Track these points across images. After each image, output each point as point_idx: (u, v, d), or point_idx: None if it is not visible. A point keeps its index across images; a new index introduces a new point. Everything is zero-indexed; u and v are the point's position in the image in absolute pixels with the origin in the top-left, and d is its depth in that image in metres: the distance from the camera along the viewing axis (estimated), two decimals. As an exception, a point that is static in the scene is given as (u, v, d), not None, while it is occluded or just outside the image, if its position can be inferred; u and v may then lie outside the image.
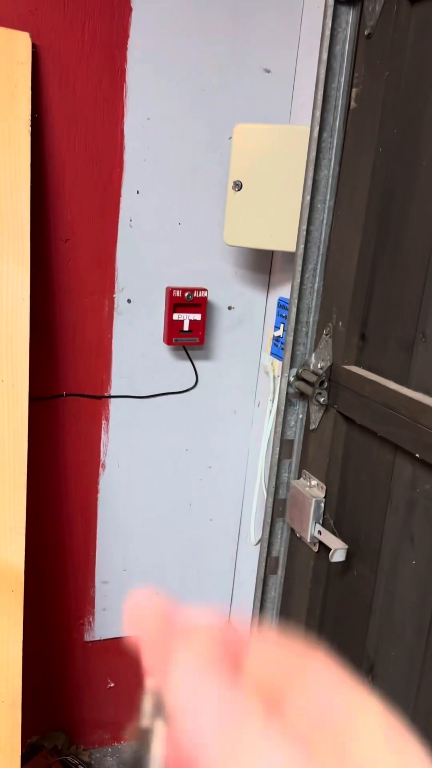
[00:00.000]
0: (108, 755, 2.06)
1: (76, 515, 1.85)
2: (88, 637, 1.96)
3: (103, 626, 1.96)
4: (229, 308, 1.85)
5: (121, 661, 2.02)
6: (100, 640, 1.98)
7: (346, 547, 1.18)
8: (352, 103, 1.17)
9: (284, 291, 1.77)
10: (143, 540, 1.94)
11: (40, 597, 1.86)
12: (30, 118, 1.47)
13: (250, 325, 1.88)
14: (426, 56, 1.02)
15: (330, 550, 1.19)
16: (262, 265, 1.83)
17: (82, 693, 2.01)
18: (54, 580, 1.87)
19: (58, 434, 1.77)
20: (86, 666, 1.99)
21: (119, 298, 1.74)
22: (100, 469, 1.84)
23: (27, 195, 1.46)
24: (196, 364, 1.86)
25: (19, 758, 1.46)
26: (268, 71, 1.71)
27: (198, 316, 1.75)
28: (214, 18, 1.63)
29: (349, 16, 1.16)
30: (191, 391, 1.87)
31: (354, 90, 1.17)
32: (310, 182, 1.21)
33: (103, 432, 1.81)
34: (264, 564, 1.39)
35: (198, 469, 1.94)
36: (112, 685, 2.04)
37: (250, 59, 1.69)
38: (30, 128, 1.47)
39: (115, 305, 1.74)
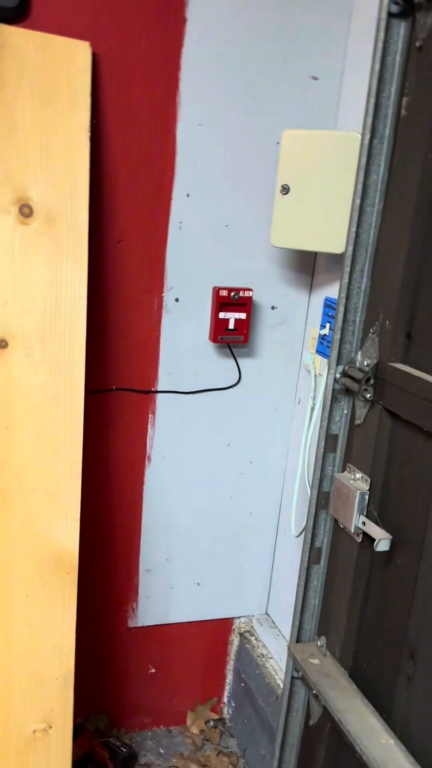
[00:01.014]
0: (148, 739, 2.13)
1: (123, 505, 1.92)
2: (131, 624, 2.03)
3: (146, 613, 2.04)
4: (273, 308, 1.90)
5: (163, 648, 2.10)
6: (142, 627, 2.05)
7: (390, 537, 1.23)
8: (403, 112, 1.22)
9: (327, 291, 1.82)
10: (185, 531, 2.01)
11: (87, 583, 1.93)
12: (89, 125, 1.54)
13: (292, 324, 1.93)
14: None
15: (373, 540, 1.24)
16: (306, 266, 1.89)
17: (125, 678, 2.09)
18: (101, 567, 1.95)
19: (107, 427, 1.84)
20: (129, 652, 2.06)
21: (168, 297, 1.81)
22: (146, 462, 1.91)
23: (86, 199, 1.54)
24: (240, 361, 1.92)
25: (71, 734, 1.53)
26: (315, 78, 1.77)
27: (243, 315, 1.81)
28: (263, 28, 1.69)
29: (400, 28, 1.21)
30: (234, 387, 1.93)
31: (404, 99, 1.22)
32: (360, 186, 1.26)
33: (149, 426, 1.89)
34: (308, 554, 1.44)
35: (239, 464, 2.00)
36: (153, 671, 2.11)
37: (298, 67, 1.74)
38: (89, 134, 1.54)
39: (164, 304, 1.81)
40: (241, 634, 2.15)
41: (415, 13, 1.18)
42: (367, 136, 1.24)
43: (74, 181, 1.54)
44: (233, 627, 2.17)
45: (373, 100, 1.23)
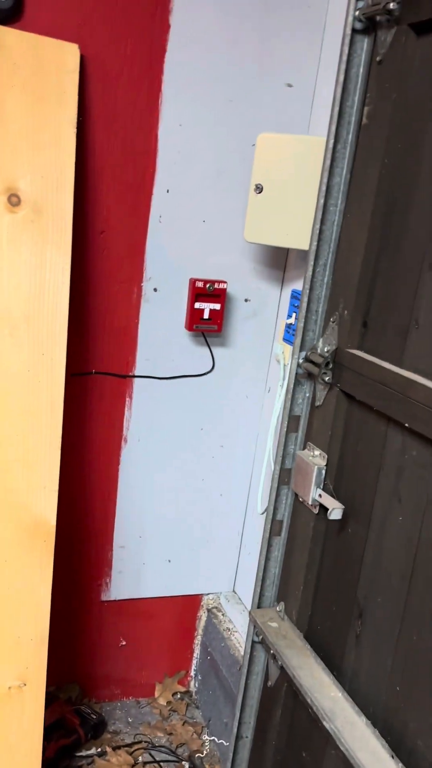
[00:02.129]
0: (117, 709, 2.23)
1: (99, 483, 2.02)
2: (104, 597, 2.13)
3: (118, 588, 2.14)
4: (246, 300, 2.02)
5: (134, 622, 2.20)
6: (115, 601, 2.15)
7: (342, 507, 1.35)
8: (364, 120, 1.34)
9: (297, 285, 1.94)
10: (158, 510, 2.11)
11: (63, 557, 2.03)
12: (76, 121, 1.64)
13: (264, 317, 2.05)
14: (426, 82, 1.19)
15: (329, 512, 1.36)
16: (278, 262, 2.00)
17: (96, 649, 2.19)
18: (76, 542, 2.05)
19: (86, 408, 1.94)
20: (101, 624, 2.17)
21: (147, 287, 1.91)
22: (122, 443, 2.02)
23: (71, 191, 1.64)
24: (214, 350, 2.03)
25: (43, 691, 1.63)
26: (290, 86, 1.88)
27: (217, 306, 1.92)
28: (243, 36, 1.80)
29: (364, 43, 1.33)
30: (208, 375, 2.04)
31: (366, 108, 1.34)
32: (324, 187, 1.38)
33: (126, 408, 1.99)
34: (270, 526, 1.56)
35: (211, 447, 2.11)
36: (124, 643, 2.22)
37: (275, 74, 1.86)
38: (75, 131, 1.65)
39: (143, 293, 1.92)
40: (209, 610, 2.26)
41: (377, 31, 1.30)
42: (331, 141, 1.36)
43: (60, 173, 1.64)
44: (202, 603, 2.28)
45: (337, 108, 1.34)
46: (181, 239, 1.91)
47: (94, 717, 2.10)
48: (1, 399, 1.59)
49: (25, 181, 1.61)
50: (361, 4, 1.30)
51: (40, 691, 1.62)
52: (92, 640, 2.18)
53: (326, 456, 1.43)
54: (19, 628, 1.59)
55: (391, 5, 1.22)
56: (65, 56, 1.66)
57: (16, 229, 1.61)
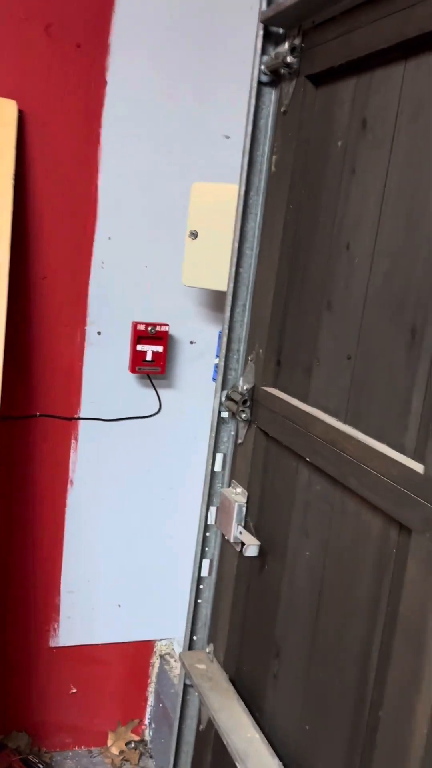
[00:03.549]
0: (68, 758, 2.19)
1: (45, 527, 2.03)
2: (53, 643, 2.11)
3: (67, 633, 2.12)
4: (191, 342, 2.05)
5: (85, 669, 2.17)
6: (64, 647, 2.13)
7: (258, 543, 1.35)
8: (272, 168, 1.39)
9: (238, 328, 1.98)
10: (107, 553, 2.11)
11: (9, 602, 2.02)
12: (13, 173, 1.71)
13: (210, 357, 2.08)
14: (325, 130, 1.24)
15: (244, 548, 1.36)
16: (220, 304, 2.04)
17: (46, 697, 2.16)
18: (22, 587, 2.04)
19: (30, 451, 1.96)
20: (50, 671, 2.14)
21: (90, 330, 1.95)
22: (69, 485, 2.03)
23: (7, 239, 1.69)
24: (160, 392, 2.06)
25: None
26: (227, 137, 1.95)
27: (160, 348, 1.96)
28: (179, 90, 1.88)
29: (271, 95, 1.39)
30: (155, 416, 2.07)
31: (273, 157, 1.39)
32: (238, 232, 1.43)
33: (72, 450, 2.01)
34: (198, 566, 1.56)
35: (159, 489, 2.12)
36: (75, 691, 2.19)
37: (212, 126, 1.93)
38: (13, 182, 1.71)
39: (87, 336, 1.95)
40: (161, 656, 2.24)
41: (281, 83, 1.37)
42: (243, 189, 1.41)
43: (-3, 222, 1.70)
44: (154, 649, 2.26)
45: (247, 158, 1.40)
46: (124, 284, 1.96)
47: (41, 766, 2.06)
48: None
49: (-39, 230, 1.66)
50: (265, 58, 1.37)
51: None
52: (41, 687, 2.15)
53: (247, 493, 1.44)
54: None
55: (289, 58, 1.29)
56: (2, 112, 1.73)
57: None
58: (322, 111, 1.26)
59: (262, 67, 1.36)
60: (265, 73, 1.37)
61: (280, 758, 1.25)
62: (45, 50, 1.77)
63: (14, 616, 2.04)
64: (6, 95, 1.74)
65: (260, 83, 1.38)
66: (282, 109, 1.36)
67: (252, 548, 1.35)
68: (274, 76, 1.37)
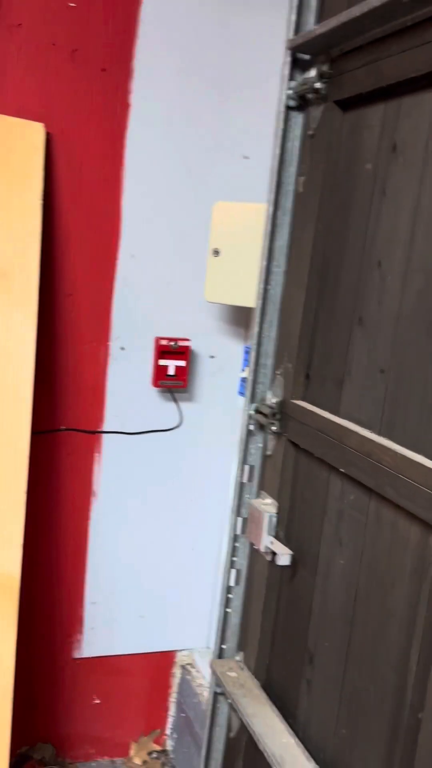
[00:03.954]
0: (92, 769, 2.21)
1: (70, 539, 2.06)
2: (76, 654, 2.14)
3: (91, 644, 2.15)
4: (211, 357, 2.10)
5: (108, 679, 2.20)
6: (87, 658, 2.16)
7: (290, 552, 1.39)
8: (300, 188, 1.44)
9: (258, 342, 2.02)
10: (130, 565, 2.14)
11: (34, 614, 2.05)
12: (41, 194, 1.76)
13: (229, 371, 2.13)
14: (354, 152, 1.29)
15: (277, 558, 1.40)
16: (240, 320, 2.09)
17: (70, 708, 2.18)
18: (47, 599, 2.07)
19: (56, 464, 2.00)
20: (74, 682, 2.17)
21: (113, 346, 2.00)
22: (92, 498, 2.06)
23: (37, 258, 1.74)
24: (182, 405, 2.10)
25: (6, 751, 1.63)
26: (246, 158, 2.01)
27: (182, 363, 2.00)
28: (200, 112, 1.94)
29: (298, 119, 1.45)
30: (176, 429, 2.11)
31: (300, 178, 1.44)
32: (266, 251, 1.47)
33: (95, 463, 2.05)
34: (227, 576, 1.59)
35: (182, 501, 2.16)
36: (98, 702, 2.21)
37: (232, 147, 1.99)
38: (41, 202, 1.76)
39: (110, 352, 2.00)
40: (183, 667, 2.26)
41: (308, 107, 1.42)
42: (271, 209, 1.46)
43: (27, 242, 1.74)
44: (175, 660, 2.28)
45: (275, 179, 1.45)
46: (147, 300, 2.00)
47: (67, 778, 2.08)
48: (-32, 456, 1.65)
49: (-8, 250, 1.71)
50: (293, 84, 1.42)
51: (3, 751, 1.62)
52: (66, 698, 2.17)
53: (277, 504, 1.48)
54: (-18, 683, 1.61)
55: (317, 84, 1.34)
56: (31, 134, 1.78)
57: (-16, 293, 1.70)
58: (351, 135, 1.31)
59: (290, 92, 1.42)
60: (293, 98, 1.42)
61: (317, 763, 1.28)
62: (71, 74, 1.82)
63: (39, 628, 2.07)
64: (33, 118, 1.79)
65: (288, 108, 1.43)
66: (309, 133, 1.41)
67: (284, 557, 1.39)
68: (301, 101, 1.42)
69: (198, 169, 1.97)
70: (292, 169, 1.46)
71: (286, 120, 1.44)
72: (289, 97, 1.42)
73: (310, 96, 1.39)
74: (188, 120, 1.94)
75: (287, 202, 1.47)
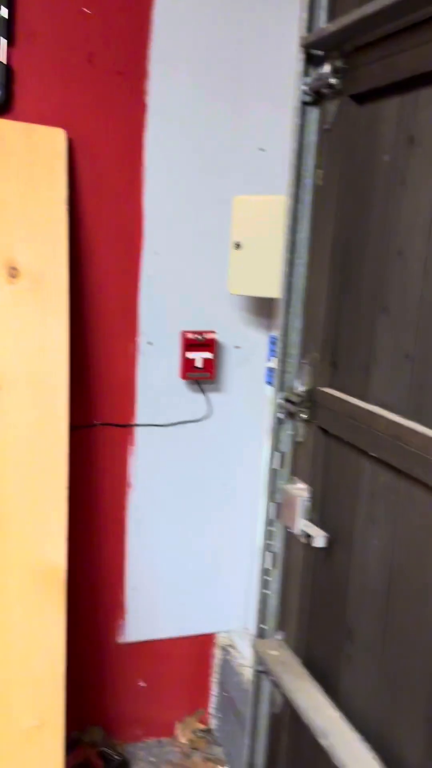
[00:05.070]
0: (140, 749, 2.29)
1: (109, 528, 2.13)
2: (120, 640, 2.22)
3: (133, 630, 2.22)
4: (237, 347, 2.15)
5: (151, 663, 2.28)
6: (131, 643, 2.23)
7: (325, 534, 1.45)
8: (318, 181, 1.48)
9: (282, 331, 2.07)
10: (168, 551, 2.21)
11: (78, 602, 2.13)
12: (66, 200, 1.81)
13: (255, 361, 2.18)
14: (371, 145, 1.33)
15: (313, 540, 1.46)
16: (264, 310, 2.14)
17: (117, 691, 2.26)
18: (89, 587, 2.15)
19: (92, 457, 2.07)
20: (119, 666, 2.25)
21: (142, 341, 2.05)
22: (128, 488, 2.13)
23: (65, 260, 1.80)
24: (210, 396, 2.15)
25: (62, 733, 1.71)
26: (263, 150, 2.04)
27: (209, 355, 2.06)
28: (216, 108, 1.98)
29: (314, 114, 1.48)
30: (206, 419, 2.16)
31: (319, 171, 1.48)
32: (288, 243, 1.52)
33: (130, 455, 2.11)
34: (264, 559, 1.65)
35: (215, 487, 2.22)
36: (143, 684, 2.29)
37: (248, 141, 2.03)
38: (67, 207, 1.81)
39: (139, 347, 2.06)
40: (223, 648, 2.33)
41: (324, 102, 1.45)
42: (291, 202, 1.50)
43: (54, 246, 1.80)
44: (216, 641, 2.35)
45: (294, 173, 1.49)
46: (172, 295, 2.05)
47: (118, 758, 2.17)
48: (10, 455, 1.72)
49: (22, 256, 1.77)
50: (308, 80, 1.46)
51: (59, 731, 1.70)
52: (112, 682, 2.25)
53: (310, 488, 1.53)
54: (35, 671, 1.69)
55: (332, 80, 1.38)
56: (53, 140, 1.83)
57: (16, 298, 1.76)
58: (367, 127, 1.35)
59: (305, 88, 1.45)
60: (308, 94, 1.46)
61: (361, 734, 1.34)
62: (88, 79, 1.87)
63: (84, 615, 2.15)
64: (54, 124, 1.84)
65: (304, 103, 1.47)
66: (326, 127, 1.45)
67: (319, 539, 1.44)
68: (315, 96, 1.46)
69: (216, 165, 2.01)
70: (310, 163, 1.50)
71: (302, 115, 1.48)
72: (304, 93, 1.46)
73: (325, 91, 1.42)
74: (205, 117, 1.98)
75: (306, 195, 1.51)
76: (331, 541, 1.47)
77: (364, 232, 1.35)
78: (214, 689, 2.39)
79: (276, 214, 1.84)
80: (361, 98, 1.36)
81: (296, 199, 1.50)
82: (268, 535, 1.66)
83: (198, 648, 2.34)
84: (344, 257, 1.41)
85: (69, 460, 1.78)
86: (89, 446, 2.06)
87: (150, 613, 2.23)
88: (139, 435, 2.11)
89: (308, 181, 1.50)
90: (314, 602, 1.56)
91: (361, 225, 1.36)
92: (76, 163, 1.90)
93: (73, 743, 2.18)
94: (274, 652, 1.62)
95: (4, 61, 1.80)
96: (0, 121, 1.80)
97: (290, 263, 1.53)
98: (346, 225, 1.41)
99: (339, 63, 1.36)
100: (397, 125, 1.25)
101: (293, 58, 1.48)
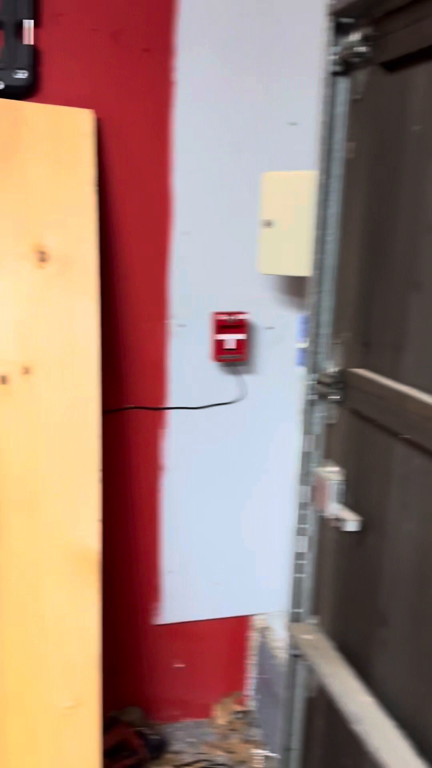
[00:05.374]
0: (178, 729, 2.31)
1: (143, 513, 2.14)
2: (156, 621, 2.23)
3: (169, 612, 2.23)
4: (269, 328, 2.12)
5: (188, 645, 2.29)
6: (167, 624, 2.24)
7: (358, 518, 1.41)
8: (349, 154, 1.43)
9: (315, 311, 2.03)
10: (203, 534, 2.21)
11: (114, 585, 2.14)
12: (95, 181, 1.79)
13: (289, 342, 2.14)
14: (401, 115, 1.27)
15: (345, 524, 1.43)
16: (296, 289, 2.10)
17: (154, 673, 2.28)
18: (125, 570, 2.16)
19: (125, 441, 2.07)
20: (156, 648, 2.26)
21: (172, 324, 2.04)
22: (162, 471, 2.13)
23: (94, 243, 1.79)
24: (243, 378, 2.13)
25: (98, 713, 1.73)
26: (294, 124, 1.99)
27: (241, 336, 2.03)
28: (245, 83, 1.93)
29: (343, 84, 1.43)
30: (239, 402, 2.14)
31: (349, 143, 1.43)
32: (318, 219, 1.48)
33: (162, 439, 2.11)
34: (297, 543, 1.63)
35: (249, 470, 2.20)
36: (181, 666, 2.30)
37: (278, 115, 1.98)
38: (95, 189, 1.80)
39: (170, 330, 2.04)
40: (260, 630, 2.33)
41: (353, 72, 1.40)
42: (322, 177, 1.46)
43: (84, 228, 1.79)
44: (252, 623, 2.35)
45: (325, 146, 1.45)
46: (202, 276, 2.03)
47: (156, 738, 2.19)
48: (43, 439, 1.73)
49: (51, 239, 1.76)
50: (336, 49, 1.40)
51: (95, 712, 1.72)
52: (149, 664, 2.27)
53: (342, 471, 1.50)
54: (70, 652, 1.70)
55: (361, 48, 1.32)
56: (81, 121, 1.82)
57: (46, 282, 1.76)
58: (398, 96, 1.29)
59: (334, 57, 1.40)
60: (337, 63, 1.40)
61: (395, 721, 1.32)
62: (114, 58, 1.84)
63: (120, 598, 2.16)
64: (81, 105, 1.82)
65: (333, 73, 1.42)
66: (356, 97, 1.40)
67: (351, 524, 1.41)
68: (345, 65, 1.41)
69: (246, 141, 1.97)
70: (340, 135, 1.45)
71: (331, 86, 1.43)
72: (332, 63, 1.41)
73: (354, 60, 1.37)
74: (233, 92, 1.93)
75: (337, 169, 1.47)
76: (363, 525, 1.43)
77: (395, 207, 1.30)
78: (251, 671, 2.39)
79: (306, 190, 1.79)
80: (391, 66, 1.30)
81: (326, 173, 1.46)
82: (301, 518, 1.63)
83: (235, 630, 2.34)
84: (375, 233, 1.37)
85: (102, 443, 1.78)
86: (122, 430, 2.06)
87: (186, 595, 2.23)
88: (172, 418, 2.10)
89: (338, 155, 1.45)
90: (348, 587, 1.53)
91: (392, 199, 1.31)
92: (104, 143, 1.88)
93: (111, 723, 2.21)
94: (308, 636, 1.60)
95: (32, 43, 1.78)
96: (27, 104, 1.79)
97: (320, 240, 1.48)
98: (377, 199, 1.36)
99: (368, 30, 1.31)
100: (428, 94, 1.19)
101: (323, 28, 1.43)
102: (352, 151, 1.43)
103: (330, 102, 1.44)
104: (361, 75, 1.38)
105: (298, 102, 1.97)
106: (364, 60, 1.35)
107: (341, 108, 1.44)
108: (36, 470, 1.73)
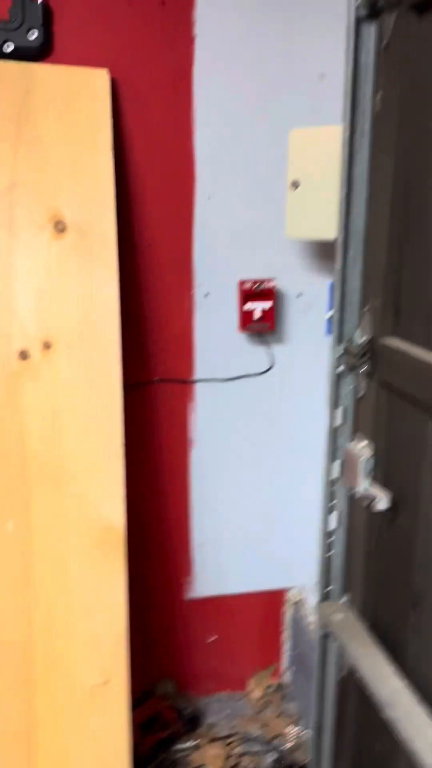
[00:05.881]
0: (212, 703, 2.30)
1: (172, 485, 2.10)
2: (188, 596, 2.21)
3: (201, 586, 2.21)
4: (298, 296, 2.03)
5: (221, 619, 2.26)
6: (200, 599, 2.22)
7: (388, 496, 1.34)
8: (377, 106, 1.33)
9: (347, 276, 1.93)
10: (234, 508, 2.16)
11: (145, 559, 2.12)
12: (111, 145, 1.72)
13: (319, 309, 2.05)
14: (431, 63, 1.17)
15: (375, 502, 1.36)
16: (327, 254, 2.00)
17: (187, 646, 2.27)
18: (155, 544, 2.13)
19: (152, 415, 2.02)
20: (189, 622, 2.24)
21: (197, 293, 1.96)
22: (190, 445, 2.08)
23: (113, 211, 1.71)
24: (272, 347, 2.05)
25: (127, 689, 1.72)
26: (323, 76, 1.88)
27: (268, 305, 1.95)
28: (268, 34, 1.82)
29: (370, 30, 1.32)
30: (268, 372, 2.07)
31: (378, 94, 1.32)
32: (345, 179, 1.38)
33: (190, 412, 2.05)
34: (326, 520, 1.57)
35: (279, 442, 2.14)
36: (214, 638, 2.28)
37: (305, 66, 1.86)
38: (112, 153, 1.72)
39: (195, 299, 1.97)
40: (294, 604, 2.29)
41: (381, 15, 1.29)
42: (347, 133, 1.36)
43: (101, 195, 1.72)
44: (286, 597, 2.31)
45: (349, 99, 1.34)
46: (227, 243, 1.95)
47: (190, 711, 2.18)
48: (65, 414, 1.69)
49: (68, 208, 1.70)
50: (362, -9, 1.29)
51: (123, 689, 1.71)
52: (182, 637, 2.26)
53: (372, 446, 1.43)
54: (97, 628, 1.69)
55: (389, -12, 1.21)
56: (96, 82, 1.73)
57: (64, 253, 1.70)
58: (429, 41, 1.18)
59: (360, 0, 1.29)
60: (363, 6, 1.29)
61: (428, 706, 1.26)
62: (129, 13, 1.75)
63: (152, 573, 2.14)
64: (96, 64, 1.74)
65: (359, 19, 1.31)
66: (384, 43, 1.29)
67: (382, 501, 1.34)
68: (371, 9, 1.29)
69: (271, 96, 1.86)
70: (367, 87, 1.34)
71: (357, 32, 1.32)
72: (359, 6, 1.30)
73: (381, 3, 1.26)
74: (257, 45, 1.82)
75: (365, 124, 1.36)
76: (396, 503, 1.36)
77: (427, 163, 1.20)
78: (286, 645, 2.36)
79: (337, 147, 1.69)
80: (421, 7, 1.19)
81: (353, 128, 1.35)
82: (331, 495, 1.56)
83: (268, 603, 2.30)
84: (406, 192, 1.26)
85: (126, 417, 1.74)
86: (148, 403, 2.01)
87: (217, 569, 2.20)
88: (199, 390, 2.04)
89: (366, 108, 1.35)
90: (379, 566, 1.46)
91: (424, 155, 1.21)
92: (121, 104, 1.80)
93: (145, 696, 2.21)
94: (339, 615, 1.55)
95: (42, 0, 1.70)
96: (40, 66, 1.71)
97: (347, 201, 1.39)
98: (408, 156, 1.25)
99: (396, -34, 1.19)
100: (463, 33, 1.08)
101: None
102: (380, 103, 1.32)
103: (356, 50, 1.33)
104: (389, 19, 1.26)
105: (327, 51, 1.85)
106: (393, 2, 1.23)
107: (368, 56, 1.33)
108: (59, 446, 1.70)
